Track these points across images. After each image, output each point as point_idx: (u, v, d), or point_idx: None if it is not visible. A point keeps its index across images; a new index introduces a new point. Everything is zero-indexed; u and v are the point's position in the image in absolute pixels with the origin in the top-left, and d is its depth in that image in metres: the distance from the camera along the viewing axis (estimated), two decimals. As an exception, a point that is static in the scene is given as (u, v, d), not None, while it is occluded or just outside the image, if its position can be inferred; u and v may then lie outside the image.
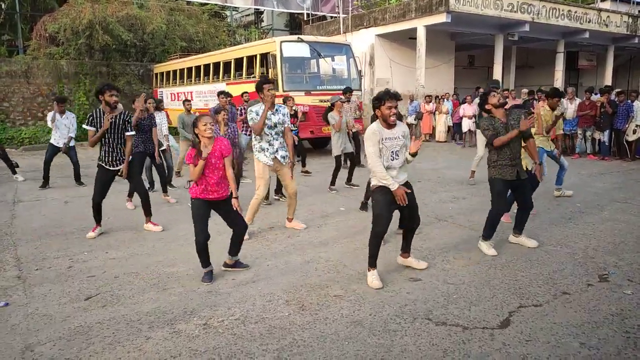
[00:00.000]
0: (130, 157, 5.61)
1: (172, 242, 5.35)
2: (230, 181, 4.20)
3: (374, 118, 4.24)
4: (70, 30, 16.66)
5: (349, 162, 8.63)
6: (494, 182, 4.80)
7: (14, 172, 9.58)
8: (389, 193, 3.97)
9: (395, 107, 3.96)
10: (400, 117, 4.34)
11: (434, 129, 16.19)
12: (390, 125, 4.00)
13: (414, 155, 4.09)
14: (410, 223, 4.30)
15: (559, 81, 19.94)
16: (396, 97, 3.98)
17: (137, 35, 17.92)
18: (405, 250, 4.43)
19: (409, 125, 17.41)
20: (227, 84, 13.93)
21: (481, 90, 14.88)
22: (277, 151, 5.41)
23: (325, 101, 11.45)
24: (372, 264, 4.10)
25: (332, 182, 8.09)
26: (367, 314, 3.52)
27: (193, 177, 4.08)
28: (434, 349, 3.04)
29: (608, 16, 19.51)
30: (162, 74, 18.51)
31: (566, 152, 11.95)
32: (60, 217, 6.50)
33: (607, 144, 11.41)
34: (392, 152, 4.00)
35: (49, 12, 18.13)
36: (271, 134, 5.36)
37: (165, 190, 7.48)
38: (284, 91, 11.74)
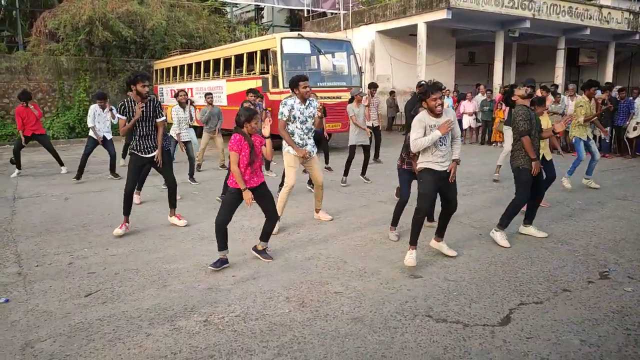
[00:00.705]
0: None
1: (172, 238, 5.35)
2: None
3: (418, 106, 4.59)
4: (70, 27, 16.62)
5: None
6: (522, 172, 4.90)
7: (19, 168, 9.80)
8: (434, 173, 4.26)
9: (441, 98, 4.21)
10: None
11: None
12: (437, 115, 4.21)
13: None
14: (448, 207, 4.51)
15: (559, 78, 19.91)
16: (440, 88, 4.24)
17: (137, 32, 17.87)
18: (440, 234, 4.65)
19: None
20: (227, 81, 13.91)
21: (481, 86, 14.89)
22: (305, 145, 5.53)
23: (325, 98, 11.44)
24: (414, 242, 4.31)
25: (345, 172, 8.22)
26: (367, 311, 3.51)
27: (234, 169, 4.26)
28: (435, 345, 3.04)
29: (609, 12, 19.47)
30: (162, 70, 18.47)
31: (566, 149, 11.94)
32: (60, 214, 6.50)
33: (607, 141, 11.39)
34: (440, 137, 4.19)
35: (49, 8, 18.09)
36: (302, 129, 5.48)
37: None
38: (284, 88, 11.72)
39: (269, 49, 12.14)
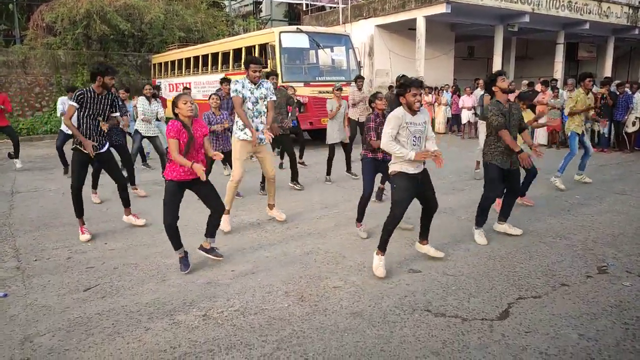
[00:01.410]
0: (108, 143, 5.37)
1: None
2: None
3: (396, 104, 4.28)
4: (67, 20, 16.54)
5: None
6: (489, 168, 4.88)
7: (17, 157, 9.75)
8: (408, 179, 4.08)
9: (420, 95, 4.04)
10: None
11: (433, 120, 16.14)
12: (414, 112, 4.06)
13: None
14: (428, 207, 4.37)
15: (558, 72, 19.88)
16: (421, 85, 4.09)
17: (135, 25, 17.78)
18: (424, 237, 4.49)
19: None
20: (225, 75, 13.84)
21: (480, 81, 14.84)
22: (257, 130, 5.29)
23: (324, 92, 11.42)
24: (383, 247, 4.11)
25: (328, 172, 8.05)
26: (366, 306, 3.52)
27: (177, 157, 3.98)
28: (433, 340, 3.05)
29: (608, 7, 19.42)
30: (160, 64, 18.40)
31: (565, 143, 11.94)
32: (58, 208, 6.48)
33: (606, 135, 11.39)
34: (415, 137, 4.06)
35: (46, 1, 17.97)
36: (253, 110, 5.27)
37: (132, 183, 7.16)
38: (282, 82, 11.68)
39: (268, 43, 12.10)
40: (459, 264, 4.30)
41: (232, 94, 5.21)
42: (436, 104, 15.83)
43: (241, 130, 5.30)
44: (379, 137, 4.83)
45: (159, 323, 3.30)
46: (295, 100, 8.99)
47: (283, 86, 8.70)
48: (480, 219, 4.91)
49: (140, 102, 8.03)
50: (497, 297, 3.64)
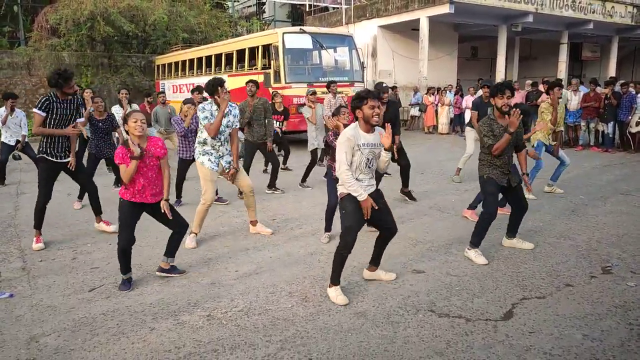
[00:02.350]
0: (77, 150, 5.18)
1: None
2: (165, 182, 3.92)
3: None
4: (71, 22, 16.60)
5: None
6: (486, 182, 4.41)
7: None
8: (358, 201, 3.57)
9: (379, 107, 3.53)
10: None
11: (436, 120, 16.13)
12: (370, 129, 3.56)
13: (389, 150, 3.64)
14: (384, 232, 3.89)
15: (562, 73, 19.84)
16: (379, 94, 3.53)
17: (138, 27, 17.84)
18: (375, 263, 3.99)
19: (412, 118, 17.37)
20: (229, 76, 13.88)
21: (483, 88, 14.80)
22: (222, 157, 4.99)
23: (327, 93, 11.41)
24: (336, 280, 3.65)
25: (303, 179, 7.73)
26: (370, 306, 3.52)
27: (125, 178, 3.73)
28: (437, 340, 3.05)
29: (612, 6, 19.36)
30: (163, 65, 18.46)
31: (569, 144, 11.92)
32: (63, 209, 6.51)
33: (610, 135, 11.36)
34: (369, 159, 3.57)
35: (50, 3, 18.06)
36: (218, 139, 4.92)
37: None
38: (286, 83, 11.70)
39: (271, 44, 12.12)
40: (463, 265, 4.29)
41: (203, 122, 4.83)
42: (439, 104, 15.83)
43: (203, 156, 4.96)
44: None
45: (163, 323, 3.31)
46: (282, 109, 8.90)
47: (276, 90, 8.66)
48: (477, 239, 4.40)
49: (114, 110, 7.83)
50: (501, 297, 3.64)
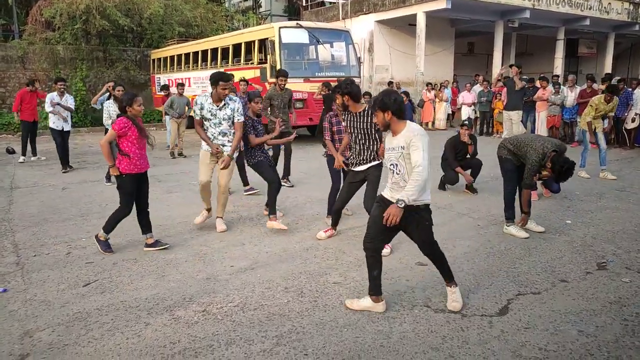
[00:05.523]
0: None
1: (170, 228, 5.34)
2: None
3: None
4: (66, 15, 16.45)
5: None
6: (504, 161, 5.08)
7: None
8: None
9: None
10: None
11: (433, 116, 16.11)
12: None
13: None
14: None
15: (558, 68, 19.86)
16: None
17: (134, 20, 17.69)
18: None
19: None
20: (224, 70, 13.82)
21: (480, 77, 14.81)
22: (223, 146, 5.08)
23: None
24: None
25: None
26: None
27: (105, 140, 4.49)
28: (433, 335, 3.05)
29: (609, 3, 19.36)
30: (159, 59, 18.33)
31: (565, 140, 11.94)
32: (58, 204, 6.47)
33: (606, 132, 11.36)
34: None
35: (45, -4, 17.90)
36: (214, 135, 5.04)
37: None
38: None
39: (267, 39, 12.06)
40: (459, 260, 4.30)
41: (193, 115, 5.14)
42: (436, 100, 15.81)
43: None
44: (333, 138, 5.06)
45: (158, 318, 3.30)
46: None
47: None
48: (509, 214, 5.03)
49: (106, 105, 7.33)
50: (497, 293, 3.64)
